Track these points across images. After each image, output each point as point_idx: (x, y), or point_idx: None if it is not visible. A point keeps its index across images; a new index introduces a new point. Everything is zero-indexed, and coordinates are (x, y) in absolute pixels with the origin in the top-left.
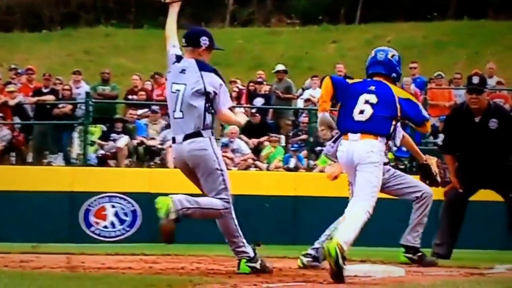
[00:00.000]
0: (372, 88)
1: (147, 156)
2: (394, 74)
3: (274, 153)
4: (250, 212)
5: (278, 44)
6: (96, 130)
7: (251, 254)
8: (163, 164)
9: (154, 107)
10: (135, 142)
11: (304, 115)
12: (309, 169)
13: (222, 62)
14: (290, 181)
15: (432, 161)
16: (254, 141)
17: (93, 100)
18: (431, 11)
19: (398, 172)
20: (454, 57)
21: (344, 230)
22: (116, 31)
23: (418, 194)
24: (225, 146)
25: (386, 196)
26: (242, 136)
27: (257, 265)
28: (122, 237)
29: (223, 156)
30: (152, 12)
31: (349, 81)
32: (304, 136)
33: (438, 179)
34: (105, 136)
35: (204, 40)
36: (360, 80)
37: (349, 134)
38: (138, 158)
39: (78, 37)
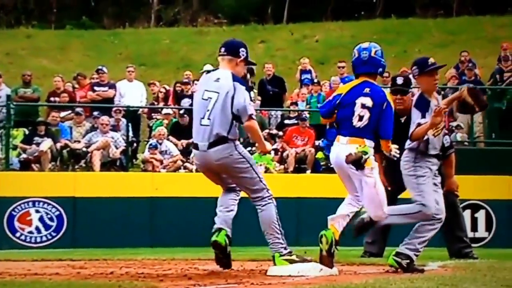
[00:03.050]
0: (367, 90)
1: (72, 159)
2: (380, 69)
3: None
4: (182, 213)
5: (205, 44)
6: (18, 134)
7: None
8: (88, 168)
9: (78, 109)
10: (58, 145)
11: None
12: None
13: (149, 63)
14: None
15: (464, 92)
16: (183, 142)
17: (15, 103)
18: (359, 10)
19: (438, 185)
20: None
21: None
22: (37, 32)
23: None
24: (153, 148)
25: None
26: (171, 138)
27: None
28: (48, 242)
29: (151, 158)
30: (75, 12)
31: (340, 89)
32: None
33: (477, 109)
34: (27, 140)
35: (243, 52)
36: (352, 83)
37: (340, 137)
38: (62, 161)
39: None
